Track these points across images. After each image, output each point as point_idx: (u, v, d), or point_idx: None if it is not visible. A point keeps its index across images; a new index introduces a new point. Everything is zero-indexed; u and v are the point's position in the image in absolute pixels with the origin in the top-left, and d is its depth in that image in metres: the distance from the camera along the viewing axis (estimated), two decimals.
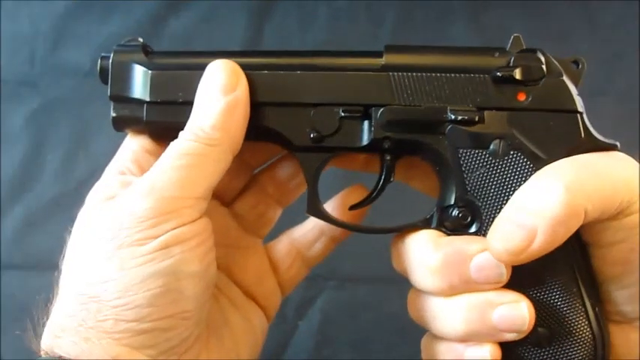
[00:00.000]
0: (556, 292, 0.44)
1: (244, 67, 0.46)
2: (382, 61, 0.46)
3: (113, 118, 0.48)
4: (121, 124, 0.49)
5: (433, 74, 0.46)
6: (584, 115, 0.46)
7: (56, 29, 0.92)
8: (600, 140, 0.45)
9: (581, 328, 0.44)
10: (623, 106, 0.83)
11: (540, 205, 0.40)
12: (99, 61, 0.48)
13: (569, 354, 0.44)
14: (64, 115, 0.90)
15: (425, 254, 0.44)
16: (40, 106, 0.91)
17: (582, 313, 0.44)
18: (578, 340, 0.44)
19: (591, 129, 0.45)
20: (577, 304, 0.44)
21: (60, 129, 0.90)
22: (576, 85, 0.46)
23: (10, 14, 0.93)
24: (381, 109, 0.46)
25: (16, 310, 0.81)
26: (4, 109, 0.90)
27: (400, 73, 0.46)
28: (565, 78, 0.46)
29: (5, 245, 0.85)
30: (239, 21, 0.91)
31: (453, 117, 0.45)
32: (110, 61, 0.48)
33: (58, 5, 0.93)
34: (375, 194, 0.48)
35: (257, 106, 0.46)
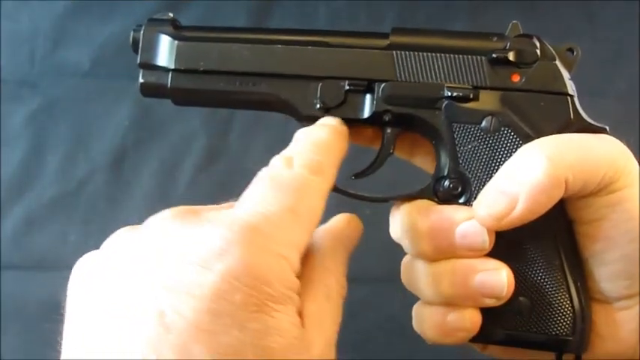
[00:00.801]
0: (538, 264, 0.46)
1: (260, 42, 0.50)
2: (388, 41, 0.49)
3: (141, 84, 0.52)
4: (148, 90, 0.52)
5: (433, 54, 0.49)
6: (575, 99, 0.48)
7: (56, 29, 0.92)
8: (589, 123, 0.47)
9: (562, 301, 0.45)
10: (623, 106, 0.83)
11: (522, 174, 0.43)
12: (131, 32, 0.52)
13: (548, 324, 0.46)
14: (64, 115, 0.90)
15: (415, 220, 0.47)
16: (40, 106, 0.91)
17: (563, 287, 0.46)
18: (558, 312, 0.45)
19: (582, 112, 0.47)
20: (559, 277, 0.46)
21: (60, 129, 0.90)
22: (570, 71, 0.49)
23: (10, 14, 0.93)
24: (383, 84, 0.49)
25: (16, 310, 0.82)
26: (4, 109, 0.90)
27: (403, 52, 0.49)
28: (558, 62, 0.48)
29: (5, 245, 0.85)
30: (239, 21, 0.91)
31: (449, 94, 0.48)
32: (142, 31, 0.52)
33: (58, 5, 0.93)
34: (375, 164, 0.51)
35: (271, 77, 0.50)
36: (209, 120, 0.89)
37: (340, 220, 0.48)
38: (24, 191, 0.87)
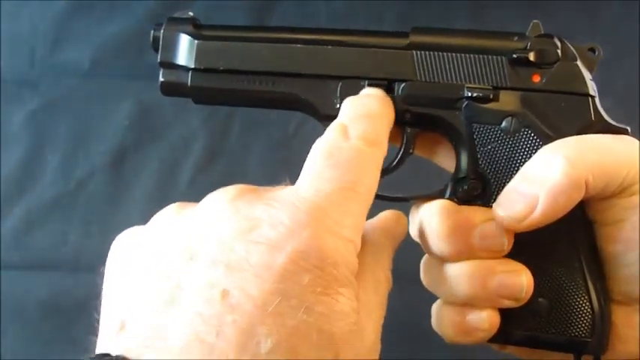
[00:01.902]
0: (558, 265, 0.46)
1: (280, 41, 0.50)
2: (407, 40, 0.49)
3: (161, 82, 0.52)
4: (168, 89, 0.52)
5: (453, 54, 0.48)
6: (597, 99, 0.47)
7: (56, 29, 0.92)
8: (610, 124, 0.47)
9: (581, 302, 0.45)
10: (623, 106, 0.83)
11: (541, 175, 0.42)
12: (152, 31, 0.52)
13: (567, 326, 0.45)
14: (64, 115, 0.90)
15: (435, 221, 0.46)
16: (40, 106, 0.91)
17: (583, 288, 0.45)
18: (577, 314, 0.45)
19: (603, 113, 0.47)
20: (578, 279, 0.45)
21: (60, 129, 0.90)
22: (591, 71, 0.48)
23: (10, 14, 0.93)
24: (403, 84, 0.48)
25: (16, 310, 0.82)
26: (4, 109, 0.90)
27: (423, 52, 0.49)
28: (579, 63, 0.48)
29: (5, 245, 0.85)
30: (239, 21, 0.91)
31: (469, 94, 0.47)
32: (162, 30, 0.52)
33: (58, 5, 0.93)
34: (395, 164, 0.51)
35: (290, 77, 0.50)
36: (209, 120, 0.89)
37: (390, 217, 0.48)
38: (24, 191, 0.87)
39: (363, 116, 0.44)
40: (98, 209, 0.86)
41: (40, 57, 0.92)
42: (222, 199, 0.39)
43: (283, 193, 0.38)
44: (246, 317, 0.33)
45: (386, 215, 0.48)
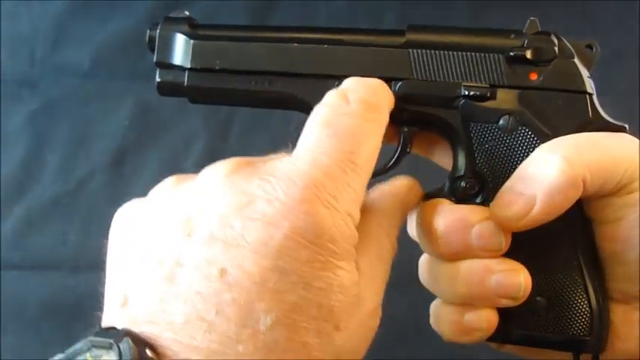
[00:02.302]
0: (555, 263, 0.46)
1: (276, 41, 0.50)
2: (404, 38, 0.49)
3: (158, 83, 0.51)
4: (165, 89, 0.52)
5: (450, 52, 0.48)
6: (594, 97, 0.47)
7: (56, 29, 0.92)
8: (608, 121, 0.47)
9: (579, 301, 0.45)
10: (623, 106, 0.83)
11: (539, 174, 0.42)
12: (148, 31, 0.52)
13: (566, 324, 0.45)
14: (64, 115, 0.90)
15: (432, 220, 0.46)
16: (40, 106, 0.91)
17: (581, 287, 0.45)
18: (575, 312, 0.45)
19: (600, 110, 0.47)
20: (576, 277, 0.45)
21: (60, 129, 0.90)
22: (589, 69, 0.48)
23: (10, 14, 0.93)
24: (400, 83, 0.48)
25: (16, 310, 0.82)
26: (4, 109, 0.90)
27: (419, 50, 0.48)
28: (576, 60, 0.47)
29: (5, 245, 0.85)
30: (239, 21, 0.91)
31: (466, 92, 0.47)
32: (158, 30, 0.52)
33: (57, 5, 0.93)
34: (392, 163, 0.50)
35: (287, 76, 0.49)
36: (209, 120, 0.89)
37: (403, 183, 0.47)
38: (24, 191, 0.87)
39: (364, 84, 0.43)
40: (98, 209, 0.86)
41: (40, 57, 0.92)
42: (219, 173, 0.38)
43: (280, 165, 0.37)
44: (244, 295, 0.33)
45: (399, 182, 0.47)
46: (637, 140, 0.44)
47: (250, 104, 0.55)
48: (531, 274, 0.44)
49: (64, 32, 0.92)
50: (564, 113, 0.46)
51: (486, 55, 0.48)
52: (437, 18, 0.90)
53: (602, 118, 0.47)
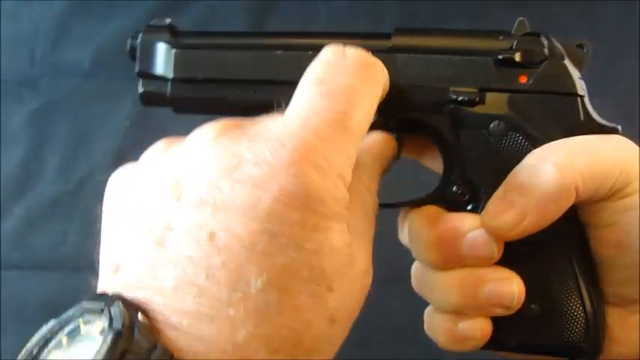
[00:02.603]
0: (549, 270, 0.45)
1: (259, 48, 0.48)
2: (390, 42, 0.48)
3: (141, 93, 0.50)
4: (149, 100, 0.51)
5: (437, 56, 0.47)
6: (586, 99, 0.46)
7: (56, 29, 0.92)
8: (601, 123, 0.46)
9: (574, 307, 0.44)
10: (623, 106, 0.83)
11: (530, 184, 0.42)
12: (129, 40, 0.50)
13: (561, 331, 0.45)
14: (64, 115, 0.90)
15: (423, 229, 0.45)
16: (40, 106, 0.91)
17: (575, 293, 0.45)
18: (570, 319, 0.45)
19: (592, 112, 0.46)
20: (570, 283, 0.45)
21: (60, 129, 0.90)
22: (580, 69, 0.47)
23: (10, 14, 0.93)
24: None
25: (16, 310, 0.82)
26: (4, 109, 0.90)
27: (406, 55, 0.47)
28: (567, 61, 0.46)
29: (5, 245, 0.85)
30: (239, 21, 0.91)
31: (454, 97, 0.46)
32: (139, 40, 0.50)
33: (57, 5, 0.93)
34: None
35: (271, 84, 0.48)
36: (208, 120, 0.89)
37: (378, 138, 0.46)
38: (24, 191, 0.87)
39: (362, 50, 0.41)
40: (98, 209, 0.86)
41: (40, 57, 0.92)
42: (207, 135, 0.37)
43: (270, 126, 0.36)
44: (234, 258, 0.33)
45: (374, 138, 0.46)
46: (630, 142, 0.43)
47: (236, 113, 0.54)
48: (525, 281, 0.44)
49: (64, 32, 0.92)
50: (555, 117, 0.45)
51: (474, 58, 0.46)
52: (437, 18, 0.90)
53: (594, 120, 0.45)
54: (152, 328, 0.32)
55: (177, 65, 0.49)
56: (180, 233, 0.34)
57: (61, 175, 0.88)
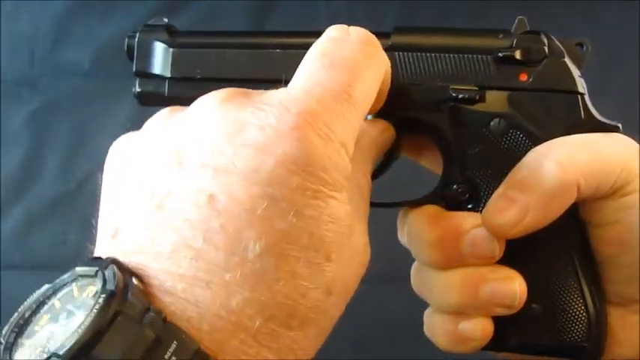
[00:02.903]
0: (551, 269, 0.45)
1: (257, 47, 0.48)
2: (389, 41, 0.47)
3: (138, 93, 0.50)
4: (146, 99, 0.51)
5: (437, 54, 0.47)
6: (586, 97, 0.46)
7: (56, 29, 0.92)
8: (601, 121, 0.46)
9: (576, 307, 0.44)
10: (623, 106, 0.83)
11: (532, 181, 0.41)
12: (126, 39, 0.50)
13: (563, 331, 0.44)
14: (64, 115, 0.90)
15: (423, 228, 0.45)
16: (40, 106, 0.91)
17: (577, 292, 0.44)
18: (572, 318, 0.44)
19: (593, 110, 0.46)
20: (572, 282, 0.44)
21: (60, 129, 0.90)
22: (580, 67, 0.47)
23: (10, 14, 0.93)
24: None
25: (16, 310, 0.82)
26: (4, 109, 0.90)
27: (405, 53, 0.47)
28: (567, 59, 0.46)
29: (5, 245, 0.85)
30: (239, 21, 0.91)
31: (454, 95, 0.46)
32: (136, 39, 0.50)
33: (58, 5, 0.93)
34: (381, 168, 0.49)
35: (270, 83, 0.47)
36: None
37: (375, 124, 0.46)
38: (24, 191, 0.87)
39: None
40: (98, 209, 0.86)
41: (40, 57, 0.92)
42: (212, 101, 0.37)
43: (274, 94, 0.37)
44: (233, 221, 0.33)
45: (372, 124, 0.46)
46: (630, 140, 0.43)
47: None
48: (526, 281, 0.43)
49: (64, 32, 0.92)
50: (555, 114, 0.45)
51: (474, 56, 0.46)
52: (437, 18, 0.90)
53: (595, 118, 0.45)
54: (146, 293, 0.32)
55: (175, 64, 0.49)
56: (180, 197, 0.34)
57: (61, 175, 0.88)
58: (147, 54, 0.50)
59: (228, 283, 0.32)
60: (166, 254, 0.33)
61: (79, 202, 0.87)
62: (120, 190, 0.37)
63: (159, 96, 0.49)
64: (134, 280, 0.32)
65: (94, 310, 0.29)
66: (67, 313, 0.32)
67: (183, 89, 0.49)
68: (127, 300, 0.30)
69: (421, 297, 0.48)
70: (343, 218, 0.35)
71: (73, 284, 0.33)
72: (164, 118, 0.39)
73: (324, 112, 0.36)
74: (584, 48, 0.47)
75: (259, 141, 0.34)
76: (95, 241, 0.38)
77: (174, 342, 0.30)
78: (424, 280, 0.47)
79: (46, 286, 0.33)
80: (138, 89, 0.50)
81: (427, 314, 0.48)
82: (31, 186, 0.88)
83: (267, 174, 0.33)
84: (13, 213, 0.86)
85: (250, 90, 0.38)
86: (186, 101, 0.47)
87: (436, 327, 0.46)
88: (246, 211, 0.33)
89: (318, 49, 0.39)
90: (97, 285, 0.31)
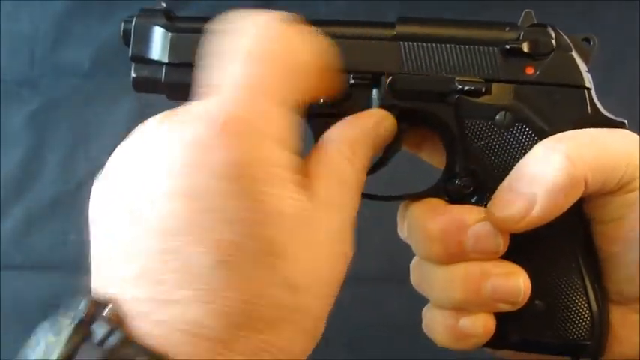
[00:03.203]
0: (554, 265, 0.44)
1: None
2: (394, 31, 0.47)
3: (133, 78, 0.49)
4: (141, 85, 0.49)
5: (443, 45, 0.47)
6: (592, 92, 0.46)
7: (56, 29, 0.92)
8: (607, 117, 0.45)
9: (579, 304, 0.44)
10: (623, 106, 0.83)
11: (540, 173, 0.41)
12: (122, 24, 0.49)
13: (565, 328, 0.44)
14: (64, 115, 0.90)
15: (425, 222, 0.45)
16: (40, 106, 0.91)
17: (580, 289, 0.44)
18: (575, 316, 0.44)
19: (599, 106, 0.46)
20: (575, 280, 0.44)
21: (60, 129, 0.90)
22: (586, 62, 0.47)
23: (10, 14, 0.93)
24: (390, 77, 0.46)
25: (16, 310, 0.82)
26: (4, 109, 0.90)
27: (411, 43, 0.47)
28: (574, 53, 0.46)
29: (5, 245, 0.85)
30: None
31: (460, 87, 0.45)
32: (133, 23, 0.49)
33: (58, 5, 0.93)
34: (382, 160, 0.48)
35: None
36: None
37: (372, 112, 0.45)
38: (24, 191, 0.87)
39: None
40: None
41: (40, 57, 0.92)
42: (150, 126, 0.38)
43: (192, 108, 0.37)
44: (181, 241, 0.34)
45: (369, 114, 0.45)
46: (636, 136, 0.43)
47: None
48: (529, 277, 0.43)
49: (64, 32, 0.92)
50: (562, 108, 0.45)
51: (481, 48, 0.46)
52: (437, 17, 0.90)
53: (601, 113, 0.45)
54: (117, 319, 0.34)
55: (173, 49, 0.48)
56: (136, 228, 0.35)
57: (61, 175, 0.88)
58: (144, 38, 0.49)
59: (185, 299, 0.33)
60: (131, 282, 0.34)
61: (79, 202, 0.86)
62: (96, 231, 0.39)
63: (155, 81, 0.49)
64: (107, 310, 0.34)
65: (61, 341, 0.34)
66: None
67: (180, 75, 0.48)
68: (92, 327, 0.33)
69: (420, 292, 0.47)
70: (293, 213, 0.35)
71: (61, 320, 0.36)
72: (118, 161, 0.39)
73: (244, 114, 0.35)
74: (591, 43, 0.47)
75: (188, 158, 0.34)
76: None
77: None
78: (424, 275, 0.46)
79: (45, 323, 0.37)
80: (133, 74, 0.49)
81: (426, 310, 0.47)
82: (31, 186, 0.88)
83: (202, 188, 0.34)
84: (13, 213, 0.86)
85: (178, 109, 0.38)
86: (182, 87, 0.47)
87: (436, 323, 0.46)
88: (191, 227, 0.34)
89: (214, 47, 0.39)
90: (70, 318, 0.34)
